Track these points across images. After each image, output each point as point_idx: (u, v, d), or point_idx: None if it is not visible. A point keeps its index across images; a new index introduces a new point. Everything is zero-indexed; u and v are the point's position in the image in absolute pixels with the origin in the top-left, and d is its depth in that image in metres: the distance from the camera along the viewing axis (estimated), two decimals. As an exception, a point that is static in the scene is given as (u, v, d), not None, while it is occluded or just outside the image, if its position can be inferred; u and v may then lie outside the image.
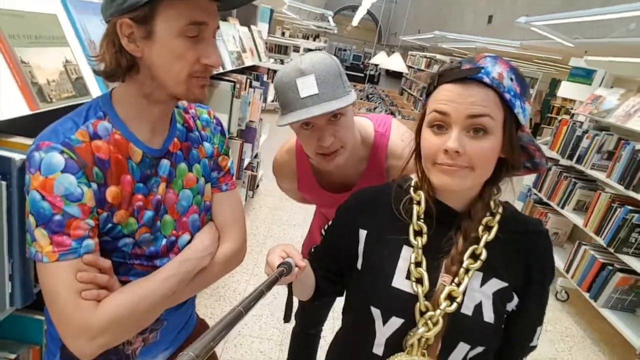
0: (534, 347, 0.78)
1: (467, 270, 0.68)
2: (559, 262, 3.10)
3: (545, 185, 3.45)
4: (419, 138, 0.72)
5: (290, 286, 0.77)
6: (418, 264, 0.71)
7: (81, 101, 0.98)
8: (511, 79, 0.64)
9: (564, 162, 3.31)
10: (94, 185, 0.68)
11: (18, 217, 0.76)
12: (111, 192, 0.70)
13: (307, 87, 0.91)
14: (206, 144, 0.89)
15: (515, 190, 0.76)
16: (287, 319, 0.77)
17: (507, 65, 0.65)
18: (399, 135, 1.11)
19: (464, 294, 0.69)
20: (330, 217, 0.92)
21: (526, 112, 0.67)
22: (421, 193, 0.75)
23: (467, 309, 0.69)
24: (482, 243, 0.69)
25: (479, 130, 0.63)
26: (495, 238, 0.70)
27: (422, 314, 0.69)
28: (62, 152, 0.63)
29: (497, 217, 0.71)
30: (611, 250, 2.59)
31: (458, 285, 0.68)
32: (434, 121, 0.66)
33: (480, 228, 0.70)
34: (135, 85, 0.71)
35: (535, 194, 3.60)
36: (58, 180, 0.62)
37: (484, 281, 0.70)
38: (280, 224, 3.47)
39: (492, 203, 0.72)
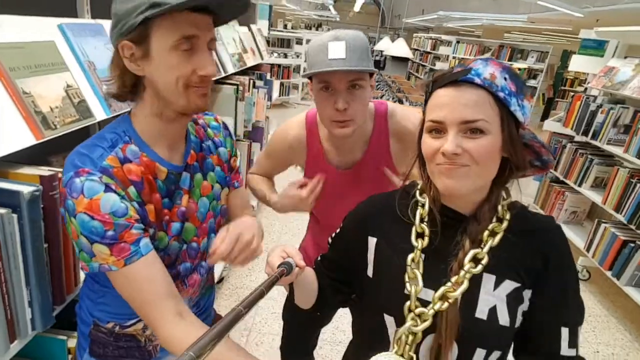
0: (572, 358, 0.70)
1: (466, 273, 0.68)
2: (579, 241, 3.05)
3: (561, 163, 3.38)
4: (420, 144, 0.72)
5: (291, 286, 0.78)
6: (415, 265, 0.72)
7: (85, 124, 1.00)
8: (505, 78, 0.64)
9: (579, 138, 3.23)
10: (135, 204, 0.72)
11: (31, 247, 0.79)
12: (149, 209, 0.75)
13: (336, 50, 0.98)
14: (221, 149, 0.94)
15: (522, 190, 0.75)
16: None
17: (500, 66, 0.65)
18: (394, 105, 1.21)
19: (474, 297, 0.69)
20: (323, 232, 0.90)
21: (526, 109, 0.66)
22: (426, 197, 0.75)
23: (482, 314, 0.68)
24: (485, 248, 0.68)
25: (475, 131, 0.64)
26: (505, 239, 0.69)
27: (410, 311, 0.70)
28: (100, 178, 0.67)
29: (504, 224, 0.70)
30: (632, 227, 2.53)
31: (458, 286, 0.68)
32: (430, 128, 0.68)
33: (486, 233, 0.69)
34: (147, 106, 0.75)
35: (551, 173, 3.53)
36: (103, 199, 0.66)
37: (497, 284, 0.69)
38: (294, 219, 3.47)
39: (499, 208, 0.71)
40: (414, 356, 0.70)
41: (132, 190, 0.72)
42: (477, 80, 0.63)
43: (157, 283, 0.71)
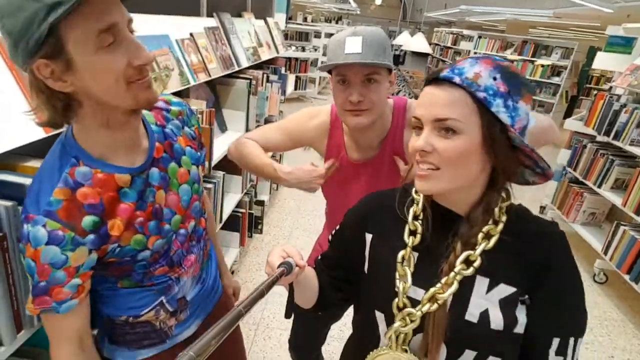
0: None
1: (457, 275, 0.67)
2: (596, 244, 2.97)
3: (581, 163, 3.28)
4: None
5: (291, 286, 0.79)
6: (406, 262, 0.72)
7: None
8: (494, 78, 0.62)
9: (600, 138, 3.13)
10: (89, 237, 0.69)
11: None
12: (114, 226, 0.72)
13: (353, 45, 1.01)
14: (187, 129, 0.89)
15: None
16: (288, 315, 0.81)
17: (492, 65, 0.63)
18: (413, 100, 1.22)
19: (465, 298, 0.68)
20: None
21: (519, 111, 0.63)
22: (420, 194, 0.75)
23: (472, 317, 0.67)
24: (478, 251, 0.67)
25: (448, 130, 0.63)
26: (501, 242, 0.68)
27: (400, 310, 0.70)
28: (44, 225, 0.65)
29: (500, 226, 0.68)
30: (653, 231, 2.45)
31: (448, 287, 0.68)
32: (413, 125, 0.69)
33: (480, 235, 0.68)
34: (90, 119, 0.68)
35: (570, 173, 3.44)
36: (44, 251, 0.66)
37: (490, 287, 0.68)
38: (305, 214, 3.49)
39: (496, 210, 0.69)
40: (408, 349, 0.71)
41: (87, 220, 0.68)
42: (456, 80, 0.62)
43: (65, 332, 0.73)
